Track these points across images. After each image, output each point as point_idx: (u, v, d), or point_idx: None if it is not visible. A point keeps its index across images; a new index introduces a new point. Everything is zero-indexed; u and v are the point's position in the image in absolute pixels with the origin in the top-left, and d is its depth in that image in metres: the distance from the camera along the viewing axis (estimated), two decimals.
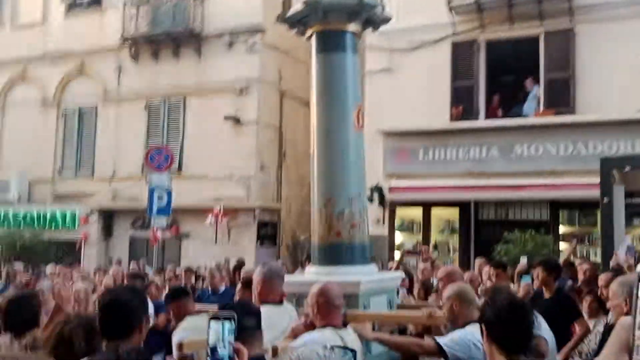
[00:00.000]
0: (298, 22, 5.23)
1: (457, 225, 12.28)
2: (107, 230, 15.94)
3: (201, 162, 14.93)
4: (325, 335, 3.34)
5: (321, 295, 3.52)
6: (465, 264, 10.72)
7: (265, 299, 3.93)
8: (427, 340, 3.63)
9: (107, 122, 16.26)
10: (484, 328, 2.29)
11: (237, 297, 5.19)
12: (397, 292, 5.72)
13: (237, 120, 14.56)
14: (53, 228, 16.07)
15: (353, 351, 3.50)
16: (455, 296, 3.62)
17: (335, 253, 4.77)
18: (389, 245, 12.30)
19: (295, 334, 3.57)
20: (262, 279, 4.03)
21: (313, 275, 4.69)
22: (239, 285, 5.68)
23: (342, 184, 4.85)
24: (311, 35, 5.16)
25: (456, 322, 3.57)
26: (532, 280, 5.81)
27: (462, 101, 12.14)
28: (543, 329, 3.60)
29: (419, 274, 6.76)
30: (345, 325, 3.59)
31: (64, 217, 16.08)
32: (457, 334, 3.42)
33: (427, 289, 5.72)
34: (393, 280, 5.44)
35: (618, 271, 5.56)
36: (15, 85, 17.74)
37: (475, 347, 3.21)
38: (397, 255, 11.84)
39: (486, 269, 7.34)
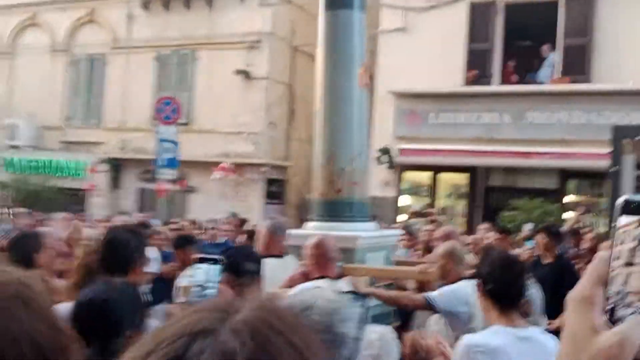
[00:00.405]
0: None
1: (465, 190, 12.23)
2: (115, 181, 16.02)
3: (210, 115, 14.87)
4: (320, 285, 3.43)
5: (317, 247, 3.67)
6: (471, 230, 10.72)
7: (269, 251, 4.08)
8: (418, 295, 3.84)
9: (117, 71, 16.14)
10: (479, 283, 2.33)
11: None
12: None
13: (247, 75, 14.41)
14: (61, 176, 16.17)
15: (364, 297, 3.57)
16: (447, 254, 3.77)
17: (335, 209, 4.91)
18: (396, 207, 12.31)
19: (291, 284, 3.67)
20: (267, 233, 4.21)
21: (313, 229, 4.79)
22: (240, 237, 5.79)
23: (345, 141, 4.95)
24: None
25: (447, 278, 3.71)
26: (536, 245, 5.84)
27: (477, 65, 11.92)
28: (533, 292, 3.64)
29: (424, 235, 6.75)
30: (340, 277, 3.70)
31: (72, 165, 16.15)
32: (445, 289, 3.58)
33: (429, 251, 5.70)
34: (390, 237, 5.57)
35: None
36: (25, 30, 17.57)
37: (462, 302, 3.42)
38: (404, 217, 11.88)
39: (490, 234, 7.38)
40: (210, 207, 14.46)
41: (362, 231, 4.88)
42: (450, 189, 12.49)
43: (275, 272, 3.73)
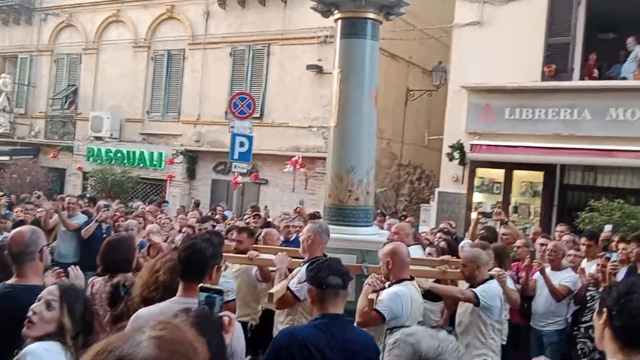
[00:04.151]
0: (327, 11, 5.84)
1: (540, 188, 11.85)
2: (191, 172, 16.60)
3: (282, 110, 15.12)
4: (410, 288, 4.02)
5: (394, 254, 4.08)
6: (546, 229, 10.42)
7: (313, 254, 4.41)
8: (468, 290, 4.55)
9: (194, 67, 16.67)
10: (605, 313, 2.16)
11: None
12: None
13: (319, 70, 14.52)
14: (141, 166, 16.92)
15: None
16: (475, 259, 4.60)
17: (354, 215, 5.48)
18: (467, 204, 12.11)
19: (373, 290, 4.03)
20: (313, 235, 4.50)
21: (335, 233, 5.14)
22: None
23: (363, 155, 5.56)
24: (337, 19, 5.71)
25: (475, 279, 4.58)
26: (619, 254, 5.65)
27: (556, 59, 11.49)
28: None
29: (499, 240, 6.62)
30: (412, 278, 4.21)
31: (151, 156, 16.87)
32: (486, 286, 4.47)
33: (501, 257, 5.59)
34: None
35: None
36: (110, 26, 18.43)
37: (497, 297, 4.45)
38: (474, 215, 11.67)
39: (567, 237, 7.15)
40: (280, 199, 14.77)
41: (376, 235, 5.55)
42: (524, 187, 12.14)
43: None
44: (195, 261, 2.70)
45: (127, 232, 7.38)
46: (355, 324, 3.94)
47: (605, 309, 2.16)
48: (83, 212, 8.72)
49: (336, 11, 5.68)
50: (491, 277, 4.65)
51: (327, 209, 5.62)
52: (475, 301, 4.36)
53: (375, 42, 5.67)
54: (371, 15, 5.55)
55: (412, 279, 4.17)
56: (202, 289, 2.19)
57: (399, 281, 4.04)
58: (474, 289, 4.43)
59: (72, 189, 17.27)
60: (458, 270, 4.99)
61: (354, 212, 5.44)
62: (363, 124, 5.57)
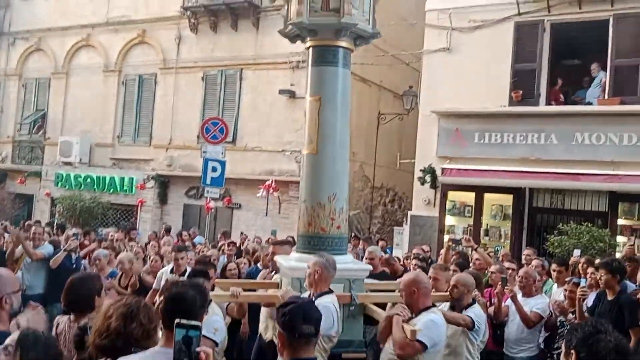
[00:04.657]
0: (296, 37, 5.79)
1: (510, 211, 12.03)
2: (163, 197, 16.42)
3: (255, 134, 15.13)
4: (439, 315, 4.11)
5: (419, 282, 4.13)
6: (517, 251, 10.58)
7: (320, 289, 4.34)
8: (466, 316, 4.68)
9: (166, 91, 16.61)
10: (573, 355, 2.16)
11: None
12: None
13: (291, 94, 14.60)
14: (111, 192, 16.68)
15: None
16: (464, 283, 4.79)
17: (336, 243, 5.39)
18: (439, 228, 12.22)
19: (403, 319, 4.05)
20: (319, 269, 4.40)
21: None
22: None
23: (342, 182, 5.52)
24: (309, 47, 5.66)
25: (461, 302, 4.78)
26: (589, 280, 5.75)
27: (522, 85, 11.77)
28: None
29: (471, 265, 6.70)
30: (434, 305, 4.28)
31: (122, 181, 16.65)
32: (476, 311, 4.72)
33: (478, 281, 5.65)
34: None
35: None
36: (80, 51, 18.28)
37: (484, 321, 4.77)
38: (446, 238, 11.81)
39: (536, 262, 7.26)
40: (254, 223, 14.70)
41: (355, 263, 5.55)
42: (495, 210, 12.31)
43: (332, 308, 4.17)
44: (186, 312, 2.54)
45: (96, 262, 7.27)
46: (395, 357, 4.01)
47: (573, 352, 2.15)
48: (50, 242, 8.51)
49: (308, 39, 5.65)
50: (474, 301, 4.85)
51: (306, 238, 5.43)
52: (472, 326, 4.63)
53: (347, 70, 5.65)
54: (343, 44, 5.56)
55: (434, 305, 4.25)
56: (179, 325, 2.12)
57: (425, 309, 4.09)
58: (470, 315, 4.68)
59: (40, 215, 16.93)
60: (444, 294, 5.01)
61: (336, 240, 5.36)
62: (341, 151, 5.53)
